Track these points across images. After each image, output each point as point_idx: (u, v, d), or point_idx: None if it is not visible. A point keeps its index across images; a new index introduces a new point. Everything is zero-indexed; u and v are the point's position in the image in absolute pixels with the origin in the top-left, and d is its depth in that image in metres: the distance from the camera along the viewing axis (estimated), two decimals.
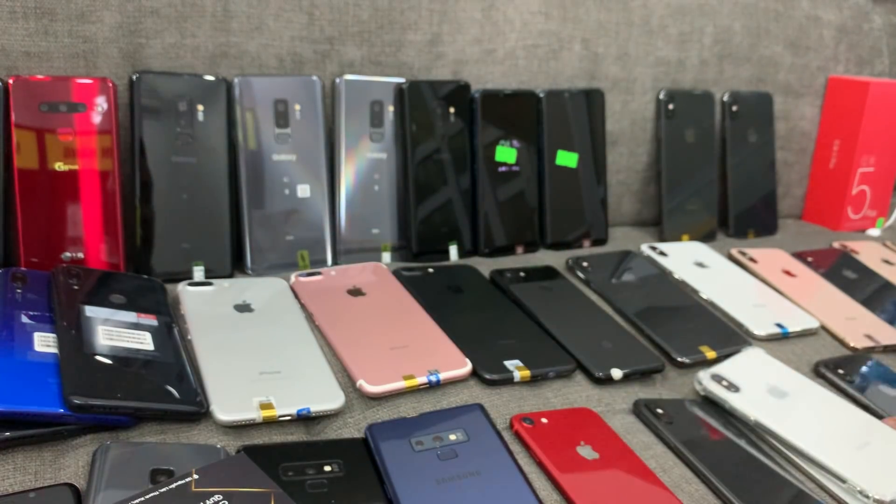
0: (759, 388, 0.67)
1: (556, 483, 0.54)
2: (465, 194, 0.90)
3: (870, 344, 0.79)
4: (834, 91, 1.19)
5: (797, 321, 0.82)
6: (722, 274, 0.92)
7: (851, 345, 0.80)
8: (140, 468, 0.48)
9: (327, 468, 0.51)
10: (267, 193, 0.81)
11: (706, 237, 1.05)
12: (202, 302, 0.68)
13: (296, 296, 0.72)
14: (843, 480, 0.57)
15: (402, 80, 0.88)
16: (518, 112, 0.94)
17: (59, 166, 0.71)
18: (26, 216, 0.70)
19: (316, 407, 0.57)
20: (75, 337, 0.56)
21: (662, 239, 1.03)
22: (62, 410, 0.50)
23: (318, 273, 0.76)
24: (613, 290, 0.83)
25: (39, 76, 0.72)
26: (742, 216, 1.10)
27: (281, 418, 0.56)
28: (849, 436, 0.62)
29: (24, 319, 0.58)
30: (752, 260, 0.96)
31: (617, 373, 0.68)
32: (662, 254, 0.93)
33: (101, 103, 0.73)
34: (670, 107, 1.05)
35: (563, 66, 1.00)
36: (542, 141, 0.95)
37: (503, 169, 0.92)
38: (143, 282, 0.70)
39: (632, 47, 1.03)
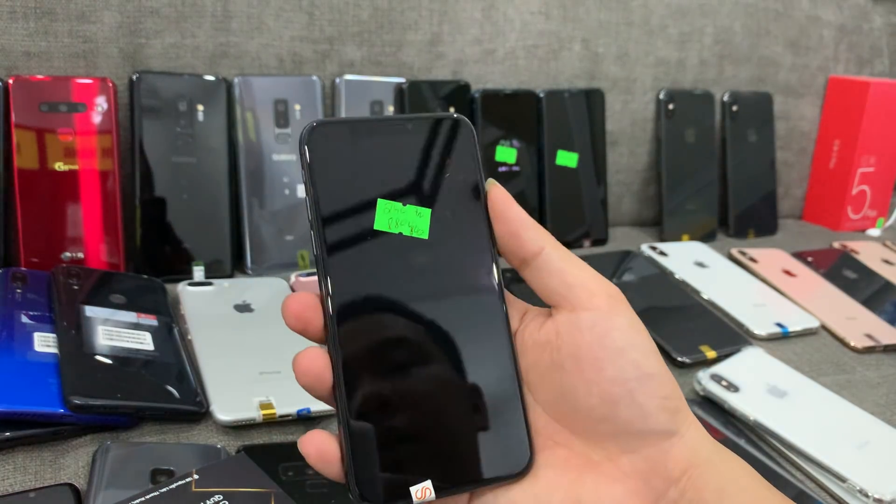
0: (759, 387, 0.67)
1: None
2: None
3: (870, 343, 0.79)
4: (834, 91, 1.19)
5: (797, 321, 0.82)
6: (722, 274, 0.91)
7: (852, 344, 0.79)
8: (140, 468, 0.48)
9: None
10: (267, 193, 0.81)
11: (706, 237, 1.05)
12: (202, 302, 0.68)
13: None
14: (842, 480, 0.57)
15: (402, 80, 0.88)
16: (518, 112, 0.94)
17: (59, 166, 0.71)
18: (26, 216, 0.70)
19: (316, 407, 0.57)
20: (75, 337, 0.56)
21: (662, 239, 1.03)
22: (62, 410, 0.50)
23: None
24: None
25: (39, 76, 0.72)
26: (742, 216, 1.10)
27: (281, 418, 0.55)
28: (848, 435, 0.62)
29: (24, 319, 0.58)
30: (752, 260, 0.95)
31: None
32: (662, 254, 0.93)
33: (101, 103, 0.73)
34: (670, 107, 1.05)
35: (563, 66, 1.00)
36: (542, 141, 0.95)
37: (503, 169, 0.92)
38: (143, 282, 0.70)
39: (632, 47, 1.03)
